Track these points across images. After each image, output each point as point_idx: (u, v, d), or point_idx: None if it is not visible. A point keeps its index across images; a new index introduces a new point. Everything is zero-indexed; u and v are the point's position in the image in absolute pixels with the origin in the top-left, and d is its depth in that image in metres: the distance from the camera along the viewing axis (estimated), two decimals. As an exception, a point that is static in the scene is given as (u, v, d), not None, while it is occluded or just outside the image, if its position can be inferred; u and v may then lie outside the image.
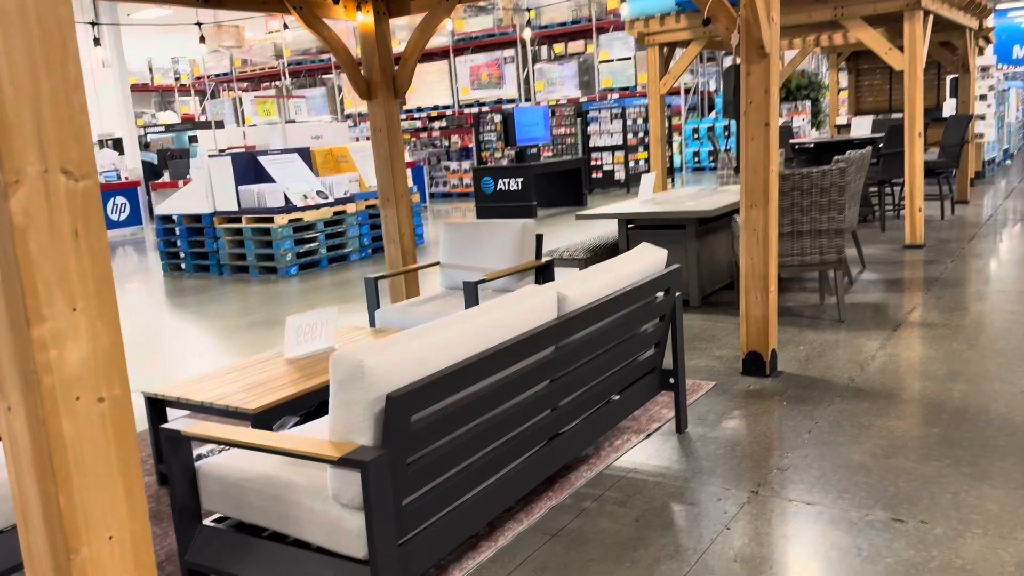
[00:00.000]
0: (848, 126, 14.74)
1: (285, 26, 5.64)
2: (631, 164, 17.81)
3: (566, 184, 15.07)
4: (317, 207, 9.60)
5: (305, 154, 10.33)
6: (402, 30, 20.61)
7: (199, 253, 10.15)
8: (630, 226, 6.41)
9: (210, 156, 9.82)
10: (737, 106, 4.37)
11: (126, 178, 17.13)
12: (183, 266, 10.29)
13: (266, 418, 3.18)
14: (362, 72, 5.51)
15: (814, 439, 3.60)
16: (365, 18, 5.40)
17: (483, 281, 4.49)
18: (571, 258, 6.31)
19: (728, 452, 3.53)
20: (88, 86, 22.38)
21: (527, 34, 6.75)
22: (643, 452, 3.59)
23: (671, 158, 19.60)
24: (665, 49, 9.22)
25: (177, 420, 2.45)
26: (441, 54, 21.19)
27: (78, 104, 1.33)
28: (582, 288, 2.98)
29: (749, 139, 4.27)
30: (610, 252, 6.59)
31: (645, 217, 6.08)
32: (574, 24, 19.48)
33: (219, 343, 6.43)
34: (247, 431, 2.29)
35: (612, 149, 18.00)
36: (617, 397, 3.45)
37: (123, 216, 15.89)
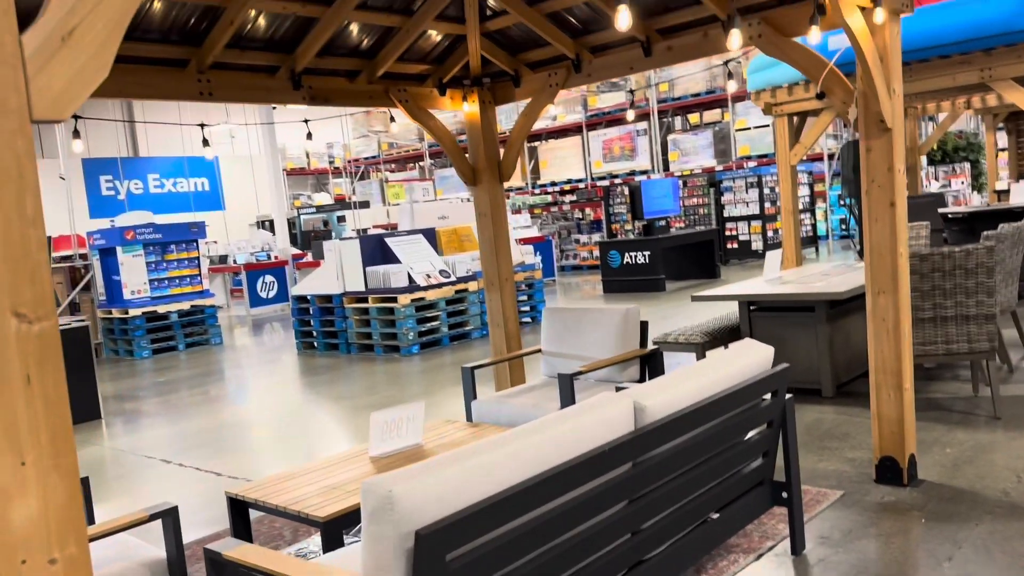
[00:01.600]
0: (1008, 191, 13.53)
1: (392, 119, 5.81)
2: (769, 234, 17.10)
3: (698, 256, 14.59)
4: (439, 286, 9.69)
5: (430, 234, 10.52)
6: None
7: (329, 332, 10.45)
8: (752, 308, 6.00)
9: (341, 239, 10.18)
10: (858, 184, 3.98)
11: (276, 258, 18.14)
12: (315, 344, 10.61)
13: (336, 526, 3.05)
14: (468, 158, 5.50)
15: (955, 569, 3.08)
16: (471, 107, 5.42)
17: (579, 373, 4.25)
18: (687, 343, 5.95)
19: (850, 581, 3.07)
20: (247, 172, 24.15)
21: (630, 115, 6.56)
22: (750, 576, 3.18)
23: (814, 226, 18.69)
24: (795, 118, 8.79)
25: (224, 540, 2.35)
26: (574, 130, 21.42)
27: (35, 241, 1.25)
28: (664, 396, 2.69)
29: (873, 220, 3.86)
30: (731, 336, 6.17)
31: (767, 299, 5.66)
32: (708, 94, 19.20)
33: (339, 425, 6.47)
34: (286, 560, 2.15)
35: (748, 219, 17.38)
36: (717, 515, 3.08)
37: (271, 294, 16.76)
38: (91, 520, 3.21)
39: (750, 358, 3.17)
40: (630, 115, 6.24)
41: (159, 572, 2.71)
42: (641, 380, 4.78)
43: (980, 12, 6.78)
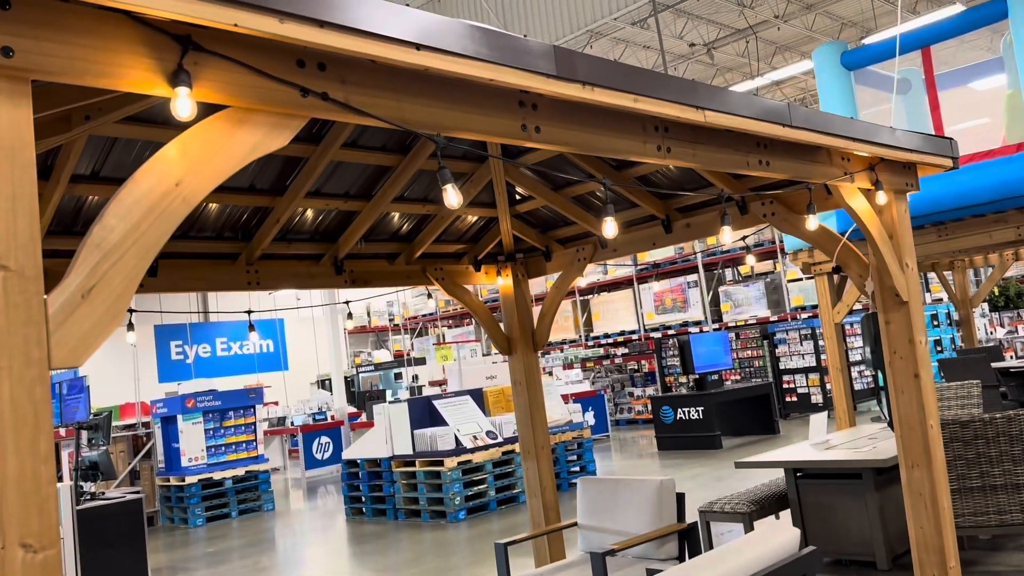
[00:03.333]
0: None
1: (429, 295, 6.11)
2: (827, 386, 16.72)
3: (755, 410, 14.30)
4: (486, 448, 9.68)
5: (477, 394, 10.63)
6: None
7: (378, 497, 10.43)
8: (799, 475, 5.85)
9: (394, 398, 10.36)
10: (880, 356, 4.00)
11: (332, 418, 18.41)
12: (364, 510, 10.58)
13: None
14: (502, 328, 5.69)
15: None
16: (504, 281, 5.66)
17: (611, 552, 4.18)
18: (733, 512, 5.79)
19: None
20: (310, 332, 24.95)
21: (654, 288, 6.74)
22: None
23: (876, 377, 18.24)
24: (835, 276, 8.86)
25: None
26: (626, 283, 21.77)
27: (46, 477, 1.40)
28: (679, 588, 2.66)
29: (899, 392, 3.85)
30: (778, 504, 5.99)
31: (812, 466, 5.54)
32: (758, 246, 19.45)
33: (373, 602, 6.37)
34: None
35: (805, 371, 17.09)
36: None
37: (327, 455, 16.88)
38: None
39: (776, 541, 3.11)
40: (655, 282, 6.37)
41: None
42: (680, 557, 4.66)
43: (1011, 172, 6.91)
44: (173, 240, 4.22)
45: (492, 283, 5.71)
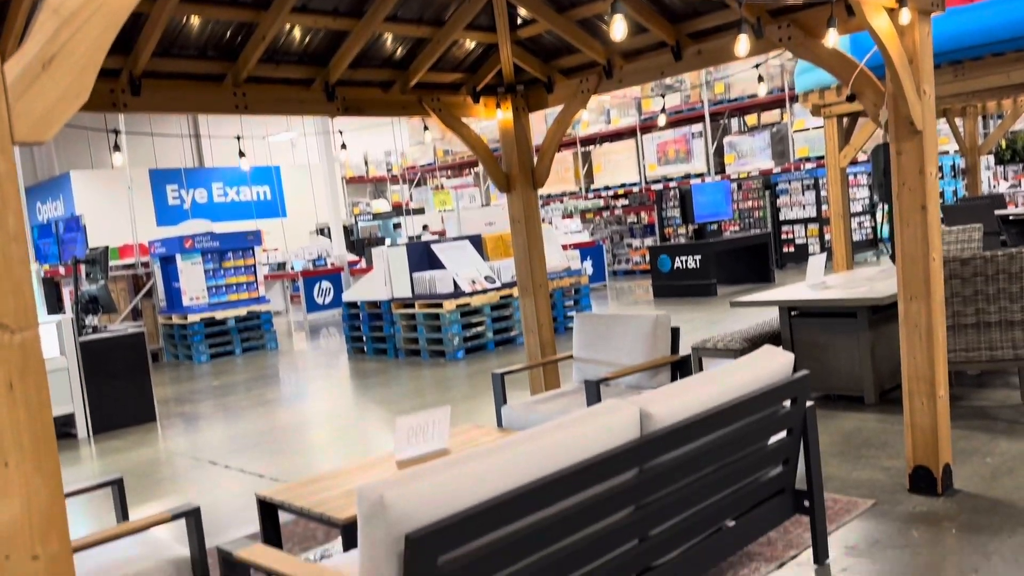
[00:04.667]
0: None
1: (425, 128, 5.85)
2: (826, 236, 16.73)
3: (752, 260, 14.35)
4: (484, 292, 9.76)
5: (476, 240, 10.61)
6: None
7: (378, 337, 10.62)
8: (794, 314, 5.90)
9: (395, 245, 10.35)
10: (888, 188, 3.91)
11: (332, 264, 18.51)
12: (365, 349, 10.80)
13: (356, 528, 3.12)
14: (502, 166, 5.56)
15: (984, 584, 2.99)
16: (504, 114, 5.47)
17: (605, 380, 4.26)
18: (725, 349, 5.88)
19: (872, 593, 3.01)
20: (307, 181, 24.65)
21: (661, 120, 6.54)
22: (769, 586, 3.15)
23: (875, 229, 18.21)
24: (845, 120, 8.61)
25: (236, 540, 2.44)
26: (629, 133, 21.31)
27: (17, 256, 1.34)
28: (673, 402, 2.69)
29: (904, 225, 3.78)
30: (771, 342, 6.08)
31: (808, 304, 5.57)
32: (767, 95, 18.88)
33: (384, 428, 6.60)
34: (290, 561, 2.23)
35: (805, 222, 17.04)
36: (733, 523, 3.06)
37: (327, 300, 17.09)
38: (124, 519, 3.35)
39: (769, 365, 3.14)
40: (661, 120, 6.19)
41: (184, 570, 2.82)
42: (672, 386, 4.75)
43: (1036, 7, 6.55)
44: (155, 58, 4.01)
45: (491, 117, 5.52)
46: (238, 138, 4.48)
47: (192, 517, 2.77)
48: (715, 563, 2.95)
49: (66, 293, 11.01)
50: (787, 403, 3.23)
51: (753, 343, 5.95)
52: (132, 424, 7.72)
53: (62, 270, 11.75)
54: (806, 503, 3.28)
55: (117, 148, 3.65)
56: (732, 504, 3.00)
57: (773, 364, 3.14)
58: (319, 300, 16.94)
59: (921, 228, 3.72)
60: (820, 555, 3.27)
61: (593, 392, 4.21)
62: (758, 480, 3.14)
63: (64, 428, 7.53)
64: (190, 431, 7.28)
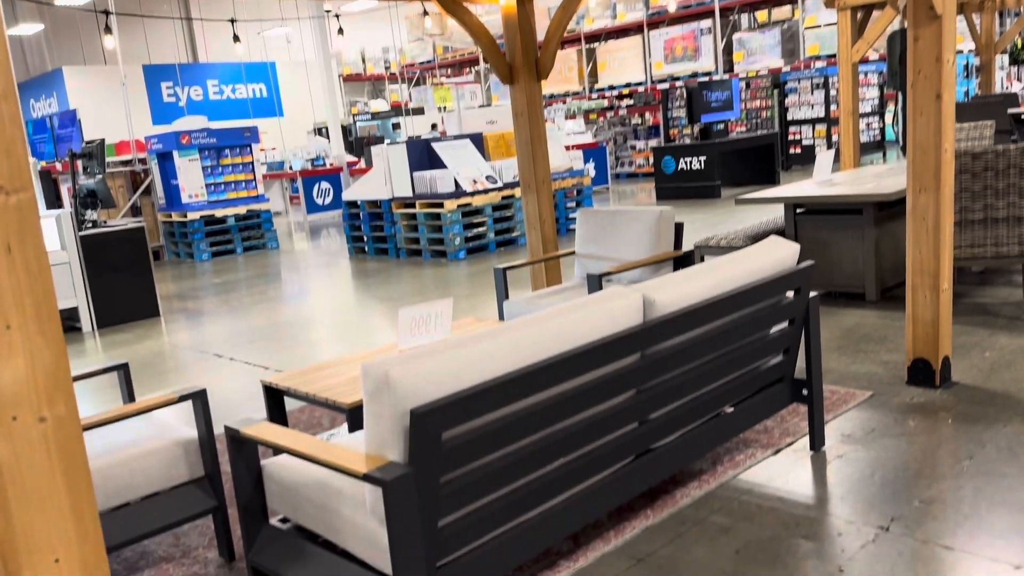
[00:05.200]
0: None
1: (425, 12, 5.60)
2: (834, 137, 16.47)
3: (758, 161, 14.16)
4: (485, 192, 9.67)
5: (477, 139, 10.44)
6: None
7: (379, 237, 10.59)
8: (799, 211, 5.85)
9: (388, 144, 10.18)
10: (903, 76, 3.79)
11: (331, 164, 18.31)
12: (366, 249, 10.79)
13: (360, 412, 3.17)
14: (505, 57, 5.39)
15: (975, 467, 3.05)
16: (507, 1, 5.27)
17: (608, 274, 4.25)
18: (728, 246, 5.86)
19: (866, 477, 3.08)
20: (304, 78, 24.10)
21: (672, 5, 6.31)
22: (766, 471, 3.22)
23: (883, 131, 17.91)
24: (859, 13, 8.32)
25: (243, 419, 2.47)
26: (635, 29, 20.67)
27: (8, 114, 1.29)
28: (676, 290, 2.68)
29: (917, 114, 3.68)
30: (775, 239, 6.05)
31: (814, 201, 5.51)
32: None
33: (384, 323, 6.65)
34: (295, 436, 2.26)
35: (813, 122, 16.73)
36: (732, 409, 3.10)
37: (327, 200, 16.97)
38: (131, 401, 3.40)
39: (774, 256, 3.11)
40: (671, 5, 5.95)
41: (191, 450, 2.87)
42: (675, 281, 4.75)
43: None
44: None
45: (494, 3, 5.32)
46: (232, 21, 4.30)
47: (199, 398, 2.80)
48: (712, 447, 3.01)
49: (64, 190, 10.91)
50: (790, 293, 3.23)
51: (756, 241, 5.92)
52: (136, 319, 7.78)
53: (59, 166, 11.62)
54: (804, 392, 3.32)
55: (108, 30, 3.51)
56: (732, 391, 3.04)
57: (778, 254, 3.12)
58: (319, 201, 16.83)
59: (935, 118, 3.63)
60: (816, 442, 3.34)
61: (596, 287, 4.21)
62: (758, 368, 3.17)
63: (69, 322, 7.60)
64: (194, 326, 7.34)
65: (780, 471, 3.20)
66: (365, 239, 10.76)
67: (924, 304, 3.85)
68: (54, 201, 10.13)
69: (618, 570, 2.62)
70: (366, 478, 1.96)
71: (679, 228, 4.77)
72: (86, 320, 7.44)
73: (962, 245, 4.73)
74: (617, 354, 2.46)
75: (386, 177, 10.11)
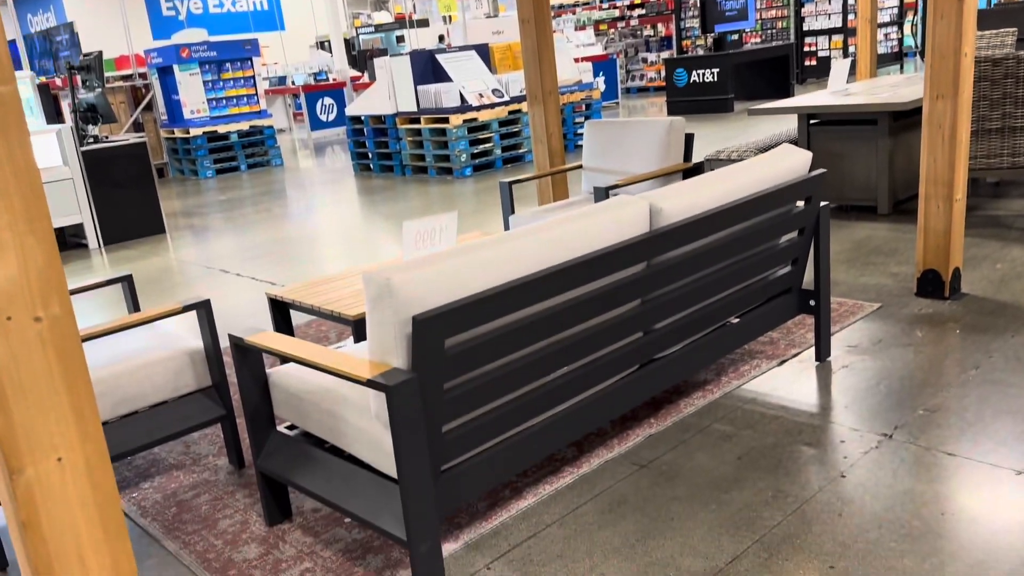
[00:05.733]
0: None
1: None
2: (851, 49, 16.00)
3: (772, 73, 13.80)
4: (492, 106, 9.48)
5: (483, 51, 10.17)
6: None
7: (384, 154, 10.46)
8: (812, 122, 5.71)
9: (391, 57, 9.94)
10: (926, -25, 3.63)
11: (334, 79, 17.96)
12: (371, 166, 10.67)
13: (365, 325, 3.17)
14: (510, -40, 5.19)
15: (981, 377, 3.05)
16: (512, -101, 5.04)
17: (615, 187, 4.18)
18: (739, 159, 5.75)
19: (871, 387, 3.08)
20: (305, -10, 23.40)
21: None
22: (770, 381, 3.22)
23: (901, 41, 17.38)
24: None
25: (247, 327, 2.47)
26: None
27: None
28: (684, 199, 2.63)
29: (937, 17, 3.54)
30: (787, 152, 5.94)
31: (828, 111, 5.37)
32: None
33: (389, 239, 6.62)
34: (299, 344, 2.26)
35: (829, 32, 16.23)
36: (738, 320, 3.09)
37: (331, 116, 16.72)
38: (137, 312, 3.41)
39: (785, 164, 3.04)
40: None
41: (198, 360, 2.89)
42: (683, 193, 4.68)
43: None
44: None
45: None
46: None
47: (203, 308, 2.80)
48: (717, 358, 3.00)
49: (65, 106, 10.75)
50: (800, 203, 3.17)
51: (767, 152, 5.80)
52: (142, 235, 7.77)
53: (58, 81, 11.42)
54: (812, 303, 3.30)
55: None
56: (738, 301, 3.01)
57: (789, 162, 3.05)
58: (322, 117, 16.58)
59: (955, 21, 3.49)
60: (822, 353, 3.33)
61: (602, 199, 4.14)
62: (766, 279, 3.14)
63: (74, 238, 7.60)
64: (200, 242, 7.33)
65: (784, 381, 3.20)
66: (370, 156, 10.63)
67: (936, 214, 3.78)
68: (55, 116, 9.99)
69: (621, 475, 2.66)
70: (370, 384, 1.96)
71: (689, 139, 4.67)
72: (92, 236, 7.43)
73: (978, 155, 4.62)
74: (622, 263, 2.43)
75: (390, 91, 9.91)
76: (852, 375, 3.20)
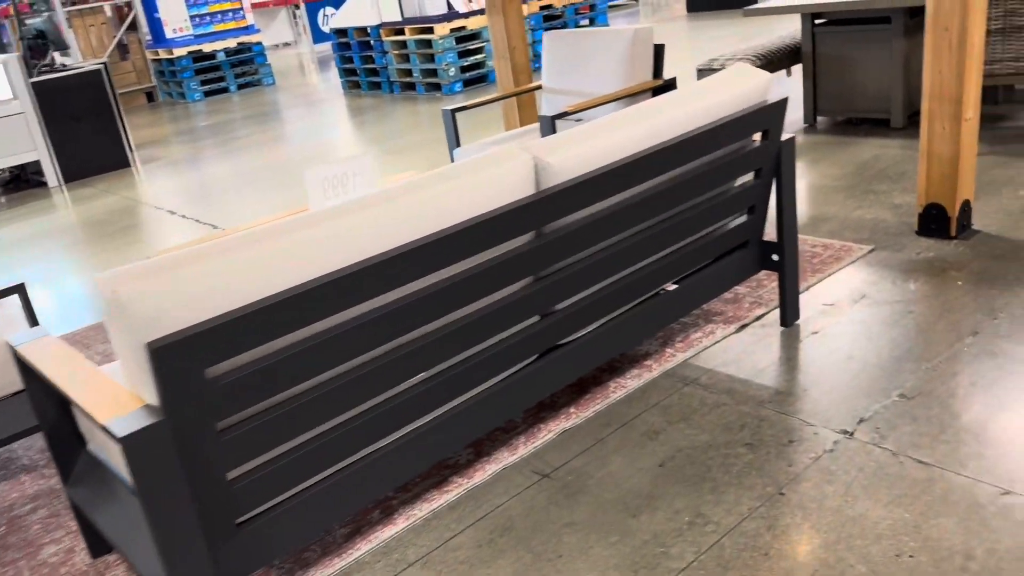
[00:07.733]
0: None
1: None
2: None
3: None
4: (481, 12, 8.69)
5: (474, -50, 9.29)
6: None
7: (371, 70, 9.77)
8: (818, 22, 4.95)
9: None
10: None
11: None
12: (359, 84, 10.01)
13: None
14: None
15: (979, 346, 2.48)
16: None
17: (565, 114, 3.57)
18: (732, 68, 5.02)
19: (840, 361, 2.53)
20: None
21: None
22: (722, 353, 2.69)
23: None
24: None
25: (34, 330, 2.01)
26: None
27: None
28: (582, 148, 2.05)
29: None
30: (791, 59, 5.19)
31: (836, 9, 4.61)
32: None
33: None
34: (66, 357, 1.79)
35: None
36: (674, 287, 2.54)
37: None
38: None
39: (736, 89, 2.42)
40: None
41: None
42: (653, 116, 4.04)
43: None
44: None
45: None
46: None
47: (21, 294, 2.35)
48: (649, 334, 2.47)
49: (9, 32, 10.18)
50: (756, 137, 2.57)
51: (768, 60, 5.07)
52: (106, 171, 7.34)
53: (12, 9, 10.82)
54: (775, 257, 2.72)
55: None
56: (674, 264, 2.46)
57: (742, 88, 2.43)
58: (324, 28, 15.78)
59: None
60: (788, 316, 2.77)
61: (548, 131, 3.55)
62: (713, 233, 2.56)
63: (35, 177, 7.20)
64: (163, 176, 6.88)
65: (739, 353, 2.67)
66: (358, 72, 9.96)
67: (942, 137, 3.12)
68: (2, 46, 9.48)
69: (516, 489, 2.19)
70: (104, 430, 1.49)
71: (659, 51, 3.99)
72: (51, 174, 7.02)
73: (1003, 59, 3.88)
74: (498, 236, 1.89)
75: None
76: (821, 344, 2.65)
